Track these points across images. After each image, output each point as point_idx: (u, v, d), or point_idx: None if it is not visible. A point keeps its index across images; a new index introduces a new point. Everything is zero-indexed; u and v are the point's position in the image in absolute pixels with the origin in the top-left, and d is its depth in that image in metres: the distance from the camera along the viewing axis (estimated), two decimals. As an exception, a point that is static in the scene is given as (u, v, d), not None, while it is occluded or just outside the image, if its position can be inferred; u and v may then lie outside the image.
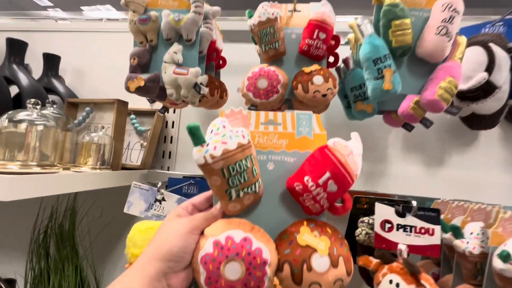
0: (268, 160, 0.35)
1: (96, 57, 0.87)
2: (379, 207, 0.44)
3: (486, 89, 0.57)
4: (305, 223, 0.33)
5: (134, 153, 0.77)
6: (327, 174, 0.31)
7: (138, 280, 0.28)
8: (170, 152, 0.79)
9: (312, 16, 0.55)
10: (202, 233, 0.31)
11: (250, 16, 0.56)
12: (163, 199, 0.48)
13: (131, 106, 0.75)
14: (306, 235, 0.32)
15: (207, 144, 0.29)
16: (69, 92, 0.80)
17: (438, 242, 0.41)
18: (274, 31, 0.53)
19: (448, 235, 0.46)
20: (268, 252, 0.30)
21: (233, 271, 0.28)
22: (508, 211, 0.41)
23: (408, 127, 0.60)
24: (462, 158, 0.67)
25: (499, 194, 0.64)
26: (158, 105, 0.65)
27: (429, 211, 0.42)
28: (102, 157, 0.59)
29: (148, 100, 0.63)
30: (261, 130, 0.36)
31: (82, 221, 0.72)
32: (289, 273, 0.30)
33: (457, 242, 0.44)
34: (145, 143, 0.75)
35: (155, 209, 0.48)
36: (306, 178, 0.32)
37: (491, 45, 0.57)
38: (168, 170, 0.78)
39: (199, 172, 0.36)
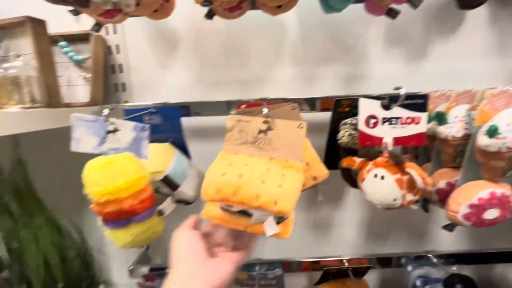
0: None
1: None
2: (363, 103, 0.39)
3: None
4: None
5: (79, 90, 0.64)
6: None
7: None
8: (123, 84, 0.67)
9: None
10: None
11: None
12: (116, 129, 0.40)
13: (56, 30, 0.59)
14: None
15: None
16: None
17: (423, 129, 0.39)
18: None
19: (430, 125, 0.44)
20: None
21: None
22: (497, 88, 0.38)
23: (392, 13, 0.52)
24: (446, 47, 0.62)
25: (485, 81, 0.62)
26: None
27: (416, 98, 0.38)
28: (30, 94, 0.47)
29: (70, 12, 0.48)
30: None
31: (39, 174, 0.64)
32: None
33: (441, 128, 0.42)
34: (88, 75, 0.62)
35: (110, 142, 0.41)
36: None
37: None
38: (126, 104, 0.67)
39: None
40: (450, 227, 0.44)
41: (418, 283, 0.60)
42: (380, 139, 0.40)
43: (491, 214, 0.39)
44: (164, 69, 0.66)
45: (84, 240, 0.65)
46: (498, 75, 0.63)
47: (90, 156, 0.40)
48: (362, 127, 0.40)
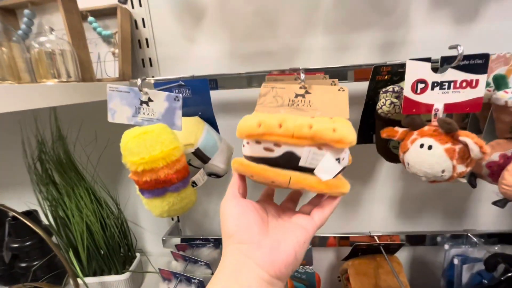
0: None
1: None
2: (411, 65, 0.36)
3: None
4: None
5: (109, 66, 0.65)
6: None
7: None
8: (150, 59, 0.67)
9: None
10: None
11: None
12: (149, 99, 0.40)
13: (83, 5, 0.58)
14: None
15: None
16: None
17: (481, 94, 0.35)
18: None
19: (485, 90, 0.40)
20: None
21: None
22: None
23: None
24: (501, 6, 0.55)
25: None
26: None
27: (474, 58, 0.34)
28: (65, 68, 0.48)
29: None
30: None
31: (78, 148, 0.68)
32: None
33: (500, 93, 0.38)
34: (116, 51, 0.62)
35: (143, 113, 0.41)
36: None
37: None
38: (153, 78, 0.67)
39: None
40: (502, 203, 0.41)
41: (455, 261, 0.57)
42: (428, 106, 0.36)
43: (554, 188, 0.35)
44: (190, 42, 0.65)
45: (120, 211, 0.69)
46: None
47: (123, 129, 0.41)
48: (408, 93, 0.37)
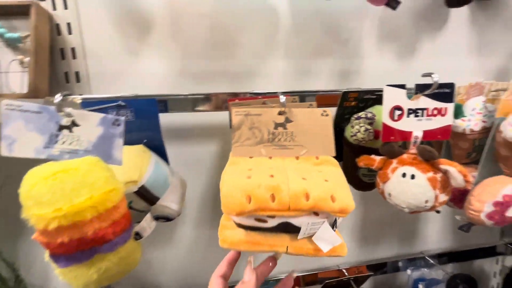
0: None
1: None
2: (388, 92, 0.34)
3: None
4: None
5: (14, 78, 0.49)
6: None
7: None
8: (77, 73, 0.54)
9: None
10: None
11: None
12: (74, 123, 0.28)
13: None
14: None
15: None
16: None
17: (450, 122, 0.35)
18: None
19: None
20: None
21: None
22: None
23: (393, 3, 0.49)
24: (433, 45, 0.63)
25: (468, 78, 0.63)
26: None
27: (442, 88, 0.35)
28: None
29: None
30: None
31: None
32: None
33: (458, 122, 0.40)
34: (26, 59, 0.48)
35: (63, 142, 0.29)
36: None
37: None
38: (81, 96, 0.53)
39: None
40: (467, 227, 0.41)
41: (420, 287, 0.57)
42: (406, 133, 0.35)
43: (514, 211, 0.37)
44: (133, 56, 0.54)
45: (20, 280, 0.49)
46: (479, 73, 0.65)
47: (31, 164, 0.27)
48: (386, 119, 0.35)
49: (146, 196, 0.39)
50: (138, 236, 0.35)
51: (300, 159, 0.28)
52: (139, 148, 0.43)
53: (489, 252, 0.68)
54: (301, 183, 0.23)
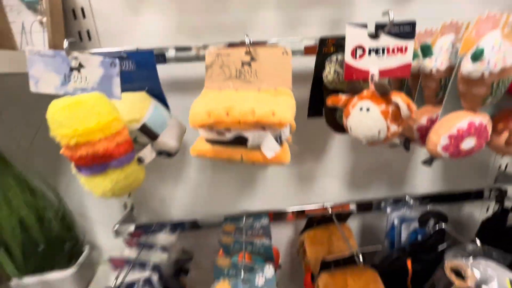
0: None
1: None
2: (350, 31, 0.37)
3: None
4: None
5: (37, 37, 0.57)
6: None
7: None
8: (88, 32, 0.60)
9: None
10: None
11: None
12: (80, 65, 0.36)
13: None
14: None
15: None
16: None
17: (409, 60, 0.38)
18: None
19: (414, 62, 0.44)
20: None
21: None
22: (485, 13, 0.37)
23: None
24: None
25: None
26: None
27: (403, 26, 0.37)
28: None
29: None
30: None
31: (2, 131, 0.59)
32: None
33: (425, 62, 0.42)
34: (44, 19, 0.55)
35: (75, 81, 0.37)
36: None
37: None
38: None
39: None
40: (429, 161, 0.45)
41: (395, 222, 0.64)
42: (366, 72, 0.39)
43: (468, 143, 0.40)
44: (134, 14, 0.60)
45: (61, 201, 0.62)
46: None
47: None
48: (348, 58, 0.39)
49: (147, 132, 0.47)
50: (140, 160, 0.44)
51: (261, 91, 0.33)
52: (141, 94, 0.50)
53: (474, 196, 0.71)
54: (251, 104, 0.29)
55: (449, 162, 0.74)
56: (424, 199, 0.69)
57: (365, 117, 0.38)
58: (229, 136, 0.31)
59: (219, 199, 0.73)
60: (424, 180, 0.75)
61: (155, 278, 0.52)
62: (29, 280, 0.58)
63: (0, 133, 0.58)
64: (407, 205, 0.67)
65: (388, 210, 0.67)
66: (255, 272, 0.50)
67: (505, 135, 0.41)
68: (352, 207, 0.69)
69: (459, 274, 0.48)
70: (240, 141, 0.31)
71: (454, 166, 0.74)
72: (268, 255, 0.59)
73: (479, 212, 0.81)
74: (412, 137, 0.49)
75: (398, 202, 0.69)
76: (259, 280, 0.50)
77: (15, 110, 0.61)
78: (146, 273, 0.51)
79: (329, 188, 0.75)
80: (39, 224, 0.56)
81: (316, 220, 0.67)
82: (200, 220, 0.69)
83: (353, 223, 0.78)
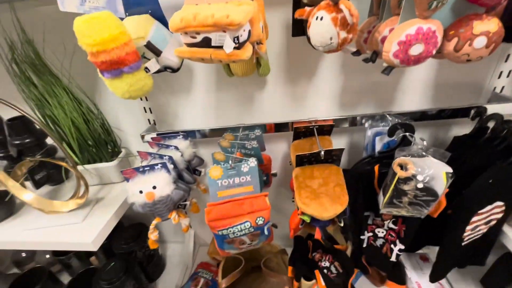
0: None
1: None
2: None
3: None
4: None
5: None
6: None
7: None
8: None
9: None
10: None
11: None
12: (91, -14, 0.46)
13: None
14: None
15: None
16: None
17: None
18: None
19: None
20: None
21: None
22: None
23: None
24: None
25: None
26: None
27: None
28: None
29: None
30: None
31: (46, 51, 0.74)
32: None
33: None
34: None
35: (89, 2, 0.48)
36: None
37: None
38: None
39: None
40: (387, 70, 0.52)
41: (369, 134, 0.73)
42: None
43: (416, 49, 0.46)
44: None
45: (99, 111, 0.80)
46: None
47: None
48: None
49: (152, 49, 0.59)
50: (147, 69, 0.57)
51: (228, 3, 0.41)
52: (145, 16, 0.60)
53: (458, 114, 0.75)
54: (214, 11, 0.38)
55: (442, 83, 0.76)
56: (404, 115, 0.75)
57: (319, 25, 0.44)
58: (199, 38, 0.41)
59: (222, 114, 0.87)
60: (413, 101, 0.79)
61: (170, 166, 0.70)
62: (88, 167, 0.81)
63: (47, 55, 0.74)
64: (384, 121, 0.75)
65: (366, 125, 0.75)
66: (242, 164, 0.66)
67: (454, 41, 0.45)
68: (334, 121, 0.78)
69: (403, 168, 0.58)
70: (207, 42, 0.41)
71: (447, 87, 0.77)
72: (257, 156, 0.74)
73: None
74: (378, 50, 0.54)
75: (378, 119, 0.77)
76: (244, 168, 0.65)
77: (52, 35, 0.75)
78: (163, 161, 0.70)
79: (320, 107, 0.84)
80: (86, 125, 0.76)
81: (302, 132, 0.79)
82: (207, 130, 0.85)
83: (341, 141, 0.89)
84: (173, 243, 1.25)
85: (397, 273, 0.93)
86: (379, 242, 0.83)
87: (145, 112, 0.89)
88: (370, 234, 0.84)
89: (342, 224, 0.64)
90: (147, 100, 0.87)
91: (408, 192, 0.59)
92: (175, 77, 0.80)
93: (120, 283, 0.88)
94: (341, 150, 0.65)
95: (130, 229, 1.05)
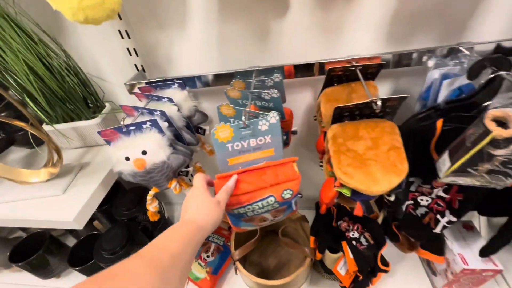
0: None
1: None
2: None
3: None
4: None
5: None
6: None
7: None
8: None
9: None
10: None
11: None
12: None
13: None
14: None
15: None
16: None
17: None
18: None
19: None
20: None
21: None
22: None
23: None
24: None
25: None
26: None
27: None
28: None
29: None
30: None
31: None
32: None
33: None
34: None
35: None
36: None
37: None
38: None
39: None
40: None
41: (435, 75, 0.52)
42: None
43: None
44: None
45: (69, 58, 0.61)
46: None
47: None
48: None
49: None
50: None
51: None
52: None
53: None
54: None
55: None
56: (486, 49, 0.53)
57: None
58: None
59: (229, 54, 0.66)
60: (500, 27, 0.55)
61: (163, 124, 0.53)
62: (60, 126, 0.64)
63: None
64: (456, 58, 0.53)
65: (430, 63, 0.54)
66: (259, 120, 0.48)
67: None
68: (385, 59, 0.56)
69: (501, 124, 0.39)
70: None
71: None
72: (278, 109, 0.55)
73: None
74: None
75: (445, 55, 0.55)
76: (262, 125, 0.48)
77: None
78: (153, 117, 0.52)
79: (362, 42, 0.61)
80: (50, 73, 0.57)
81: (337, 77, 0.58)
82: (210, 76, 0.65)
83: (384, 88, 0.68)
84: (180, 205, 1.16)
85: (435, 243, 0.81)
86: (421, 211, 0.69)
87: (130, 55, 0.68)
88: (411, 202, 0.70)
89: (392, 199, 0.49)
90: (129, 38, 0.65)
91: (497, 158, 0.42)
92: (163, 5, 0.58)
93: (124, 251, 0.80)
94: (403, 98, 0.45)
95: (131, 193, 0.94)
